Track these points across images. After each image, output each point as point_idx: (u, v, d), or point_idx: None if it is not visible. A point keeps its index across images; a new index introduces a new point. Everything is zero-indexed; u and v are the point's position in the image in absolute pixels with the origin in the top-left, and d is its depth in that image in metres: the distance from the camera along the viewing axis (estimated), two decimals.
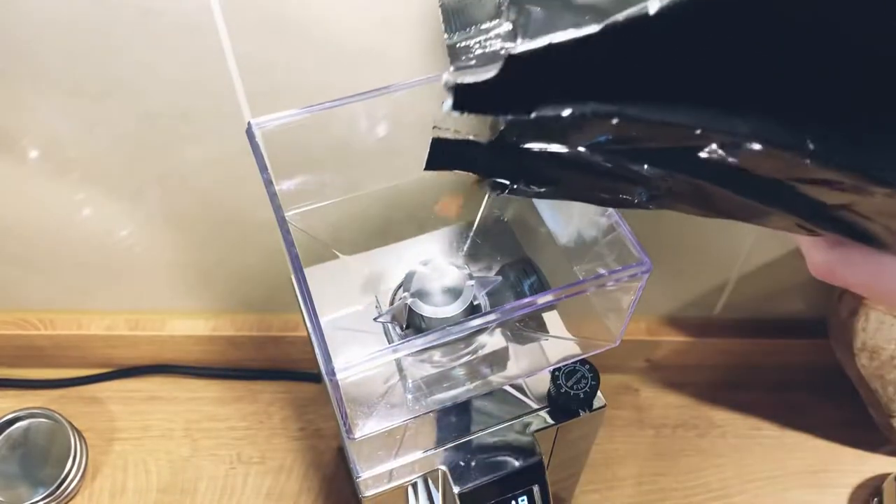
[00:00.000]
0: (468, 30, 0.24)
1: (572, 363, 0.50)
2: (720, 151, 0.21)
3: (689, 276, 0.72)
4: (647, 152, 0.22)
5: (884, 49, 0.18)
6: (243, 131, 0.42)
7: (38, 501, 0.69)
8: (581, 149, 0.22)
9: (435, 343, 0.36)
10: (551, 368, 0.49)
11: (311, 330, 0.36)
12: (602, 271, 0.40)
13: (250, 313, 0.76)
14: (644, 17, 0.18)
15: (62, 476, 0.70)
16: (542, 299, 0.37)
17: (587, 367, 0.51)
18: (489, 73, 0.21)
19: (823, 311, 0.74)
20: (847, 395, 0.74)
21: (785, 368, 0.79)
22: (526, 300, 0.37)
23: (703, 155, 0.21)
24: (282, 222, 0.38)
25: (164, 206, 0.64)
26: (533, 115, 0.21)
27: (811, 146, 0.19)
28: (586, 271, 0.43)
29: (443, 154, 0.24)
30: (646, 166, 0.23)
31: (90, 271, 0.70)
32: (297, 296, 0.39)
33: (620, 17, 0.19)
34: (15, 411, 0.73)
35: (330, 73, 0.53)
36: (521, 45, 0.20)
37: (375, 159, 0.49)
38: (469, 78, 0.21)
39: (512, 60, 0.20)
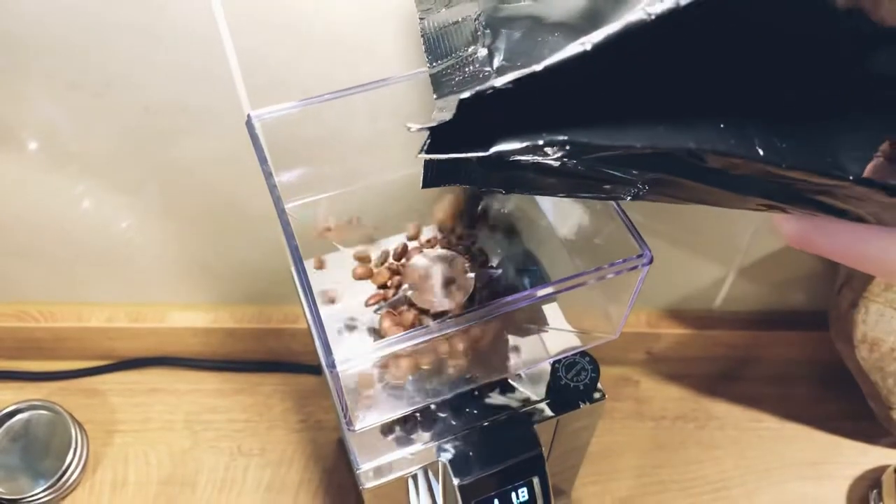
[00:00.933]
0: (446, 59, 0.26)
1: (572, 355, 0.50)
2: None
3: (690, 268, 0.72)
4: (622, 158, 0.23)
5: (815, 67, 0.20)
6: (243, 124, 0.42)
7: (39, 493, 0.69)
8: (562, 161, 0.23)
9: (434, 336, 0.36)
10: (551, 360, 0.49)
11: (311, 322, 0.36)
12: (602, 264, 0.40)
13: (250, 305, 0.76)
14: (581, 55, 0.20)
15: (63, 468, 0.70)
16: (542, 292, 0.37)
17: (587, 358, 0.51)
18: (445, 116, 0.22)
19: (823, 303, 0.74)
20: (847, 387, 0.75)
21: (785, 361, 0.79)
22: (525, 293, 0.37)
23: (677, 157, 0.22)
24: (282, 214, 0.38)
25: (163, 198, 0.64)
26: (491, 151, 0.22)
27: (760, 152, 0.21)
28: (586, 263, 0.43)
29: (436, 174, 0.24)
30: (623, 171, 0.24)
31: (90, 263, 0.70)
32: (296, 288, 0.39)
33: (555, 58, 0.20)
34: (15, 403, 0.73)
35: (329, 66, 0.53)
36: (470, 90, 0.21)
37: (374, 151, 0.49)
38: (433, 123, 0.22)
39: (463, 104, 0.22)
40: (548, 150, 0.22)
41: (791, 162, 0.21)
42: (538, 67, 0.21)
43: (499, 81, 0.21)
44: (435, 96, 0.25)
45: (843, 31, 0.20)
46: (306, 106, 0.42)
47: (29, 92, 0.54)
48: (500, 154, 0.23)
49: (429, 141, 0.23)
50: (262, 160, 0.40)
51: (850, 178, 0.21)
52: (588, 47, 0.20)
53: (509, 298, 0.37)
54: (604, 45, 0.20)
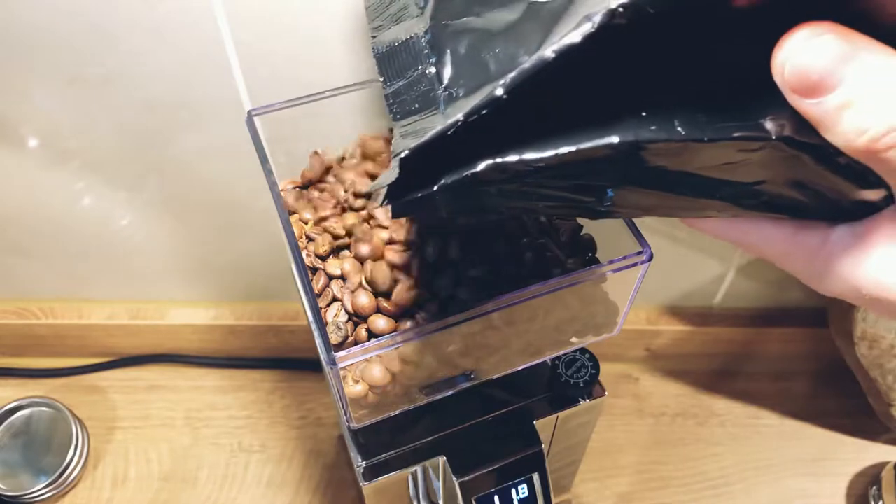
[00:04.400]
0: (401, 77, 0.27)
1: (572, 352, 0.50)
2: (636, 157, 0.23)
3: (689, 265, 0.72)
4: (559, 169, 0.24)
5: (723, 51, 0.22)
6: (243, 120, 0.42)
7: (39, 490, 0.69)
8: (505, 183, 0.24)
9: (432, 333, 0.36)
10: (551, 357, 0.49)
11: (311, 319, 0.36)
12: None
13: (251, 302, 0.76)
14: (494, 100, 0.22)
15: (64, 465, 0.70)
16: (542, 289, 0.37)
17: (587, 355, 0.51)
18: (390, 178, 0.23)
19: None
20: (846, 383, 0.75)
21: (785, 357, 0.79)
22: (525, 290, 0.37)
23: (618, 167, 0.24)
24: (282, 211, 0.38)
25: (164, 194, 0.64)
26: (436, 188, 0.24)
27: (682, 131, 0.22)
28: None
29: (402, 207, 0.25)
30: (572, 185, 0.25)
31: (90, 260, 0.71)
32: (297, 284, 0.39)
33: (475, 105, 0.22)
34: (16, 400, 0.73)
35: (330, 62, 0.53)
36: (407, 149, 0.23)
37: None
38: (386, 182, 0.23)
39: (405, 162, 0.23)
40: (487, 174, 0.23)
41: (711, 134, 0.22)
42: (461, 118, 0.22)
43: (430, 134, 0.23)
44: (392, 118, 0.26)
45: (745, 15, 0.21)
46: (307, 102, 0.42)
47: (29, 88, 0.54)
48: (445, 187, 0.24)
49: (385, 196, 0.24)
50: (262, 157, 0.41)
51: (773, 137, 0.22)
52: (502, 93, 0.21)
53: (507, 297, 0.37)
54: (518, 87, 0.21)
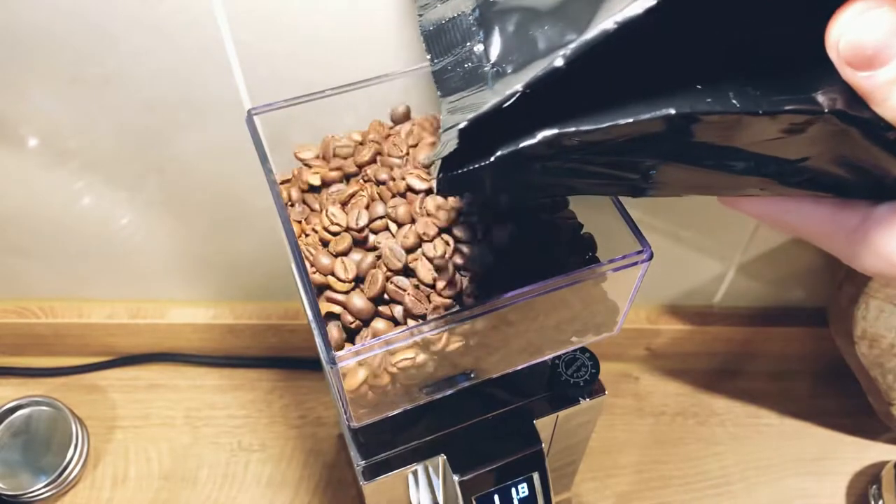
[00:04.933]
0: (445, 56, 0.27)
1: (572, 351, 0.50)
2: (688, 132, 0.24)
3: (689, 264, 0.72)
4: (612, 145, 0.24)
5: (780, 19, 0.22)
6: (243, 119, 0.42)
7: (39, 489, 0.69)
8: (561, 156, 0.24)
9: (432, 333, 0.36)
10: (551, 356, 0.49)
11: (311, 318, 0.36)
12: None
13: (250, 302, 0.76)
14: (554, 70, 0.22)
15: (64, 464, 0.70)
16: (542, 288, 0.37)
17: (587, 354, 0.51)
18: (448, 149, 0.23)
19: (823, 299, 0.75)
20: (847, 383, 0.75)
21: (785, 357, 0.79)
22: (525, 289, 0.37)
23: (667, 142, 0.24)
24: (282, 210, 0.38)
25: (163, 194, 0.64)
26: (492, 158, 0.24)
27: (737, 103, 0.23)
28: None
29: (449, 183, 0.25)
30: (618, 161, 0.25)
31: (90, 260, 0.71)
32: (297, 284, 0.39)
33: (537, 74, 0.22)
34: (16, 399, 0.73)
35: (330, 61, 0.53)
36: (467, 119, 0.23)
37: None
38: (445, 152, 0.23)
39: (464, 133, 0.23)
40: (541, 146, 0.23)
41: (766, 107, 0.23)
42: (519, 88, 0.22)
43: (488, 105, 0.23)
44: (439, 94, 0.26)
45: None
46: (307, 101, 0.42)
47: (29, 87, 0.54)
48: (500, 158, 0.24)
49: (440, 167, 0.24)
50: (262, 156, 0.40)
51: (825, 110, 0.23)
52: (562, 63, 0.22)
53: (506, 295, 0.37)
54: (578, 58, 0.22)
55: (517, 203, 0.39)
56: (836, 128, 0.23)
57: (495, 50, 0.25)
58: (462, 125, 0.23)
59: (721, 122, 0.23)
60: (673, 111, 0.23)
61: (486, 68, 0.25)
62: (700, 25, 0.22)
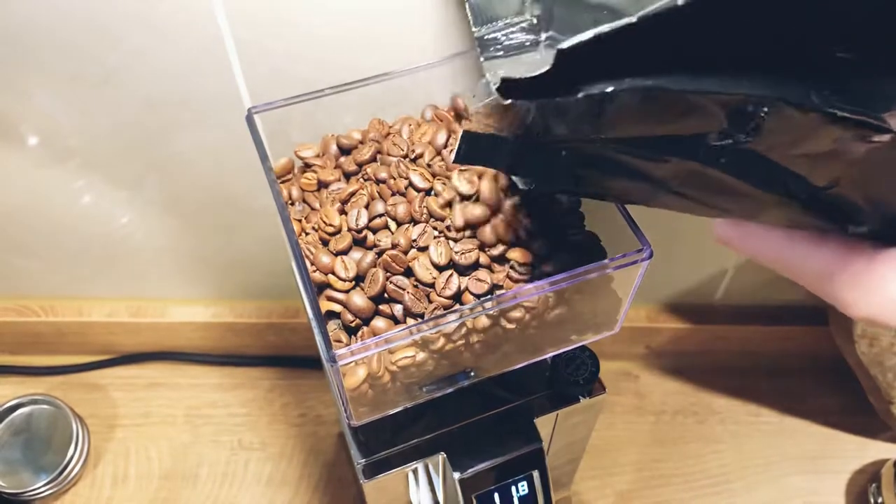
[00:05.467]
0: (493, 24, 0.27)
1: (572, 349, 0.50)
2: (728, 138, 0.23)
3: (689, 262, 0.72)
4: (659, 143, 0.24)
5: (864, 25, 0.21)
6: (243, 117, 0.42)
7: (40, 487, 0.69)
8: (598, 143, 0.24)
9: (433, 332, 0.36)
10: (551, 354, 0.49)
11: (311, 316, 0.36)
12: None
13: (250, 300, 0.76)
14: (673, 8, 0.21)
15: (64, 462, 0.70)
16: (542, 287, 0.37)
17: (587, 353, 0.51)
18: (541, 68, 0.22)
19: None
20: (846, 381, 0.75)
21: (784, 355, 0.79)
22: (525, 288, 0.37)
23: (712, 142, 0.24)
24: (282, 209, 0.38)
25: (164, 193, 0.64)
26: (580, 94, 0.23)
27: (815, 99, 0.22)
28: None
29: (471, 147, 0.25)
30: (655, 161, 0.25)
31: (91, 258, 0.71)
32: (297, 282, 0.39)
33: (652, 9, 0.21)
34: (17, 398, 0.73)
35: (330, 60, 0.53)
36: (569, 41, 0.22)
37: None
38: (517, 73, 0.23)
39: (561, 54, 0.22)
40: (629, 93, 0.23)
41: (841, 111, 0.22)
42: (633, 19, 0.21)
43: (602, 29, 0.22)
44: (482, 58, 0.26)
45: None
46: (307, 100, 0.42)
47: (29, 86, 0.54)
48: (589, 96, 0.23)
49: (507, 89, 0.23)
50: (262, 155, 0.40)
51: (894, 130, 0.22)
52: (635, 20, 0.21)
53: (507, 294, 0.37)
54: (651, 20, 0.21)
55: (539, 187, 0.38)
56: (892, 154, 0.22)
57: (549, 26, 0.25)
58: (564, 45, 0.22)
59: (789, 118, 0.22)
60: (757, 92, 0.22)
61: (536, 40, 0.25)
62: (797, 20, 0.21)
